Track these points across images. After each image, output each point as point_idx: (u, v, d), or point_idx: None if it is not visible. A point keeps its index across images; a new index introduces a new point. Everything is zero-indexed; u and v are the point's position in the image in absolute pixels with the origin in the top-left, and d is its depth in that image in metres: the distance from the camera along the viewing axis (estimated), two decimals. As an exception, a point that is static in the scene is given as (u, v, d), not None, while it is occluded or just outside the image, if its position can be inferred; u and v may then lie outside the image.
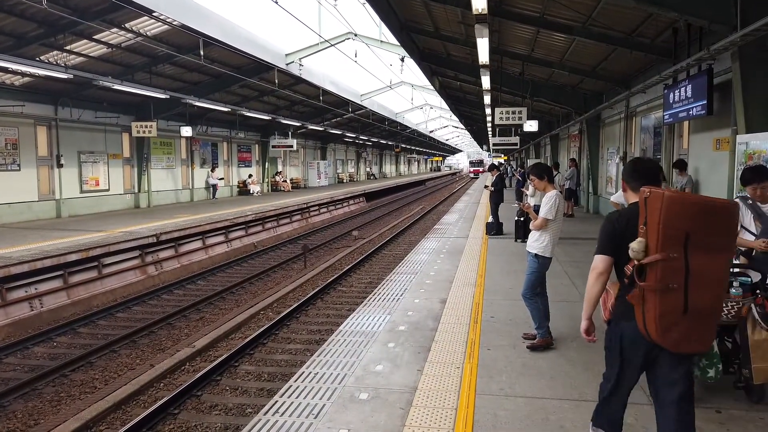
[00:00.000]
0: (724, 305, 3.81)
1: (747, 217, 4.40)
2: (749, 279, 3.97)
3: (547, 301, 5.50)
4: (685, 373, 2.81)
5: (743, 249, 4.48)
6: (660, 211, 2.62)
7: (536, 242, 5.31)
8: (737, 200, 4.60)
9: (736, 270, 4.14)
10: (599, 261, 2.95)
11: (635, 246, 2.69)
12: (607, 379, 3.01)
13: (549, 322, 5.41)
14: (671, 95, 9.64)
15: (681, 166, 9.44)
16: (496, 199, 13.50)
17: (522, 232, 11.34)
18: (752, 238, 4.34)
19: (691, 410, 2.81)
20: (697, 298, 2.63)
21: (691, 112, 8.78)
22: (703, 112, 8.29)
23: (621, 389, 2.95)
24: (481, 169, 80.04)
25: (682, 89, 9.08)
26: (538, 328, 5.30)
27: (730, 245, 2.84)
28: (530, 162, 21.22)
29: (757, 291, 3.86)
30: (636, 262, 2.69)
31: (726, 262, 2.82)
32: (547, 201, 5.27)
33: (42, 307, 9.93)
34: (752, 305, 3.77)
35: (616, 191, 8.87)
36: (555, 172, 16.17)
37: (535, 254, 5.30)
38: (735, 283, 3.88)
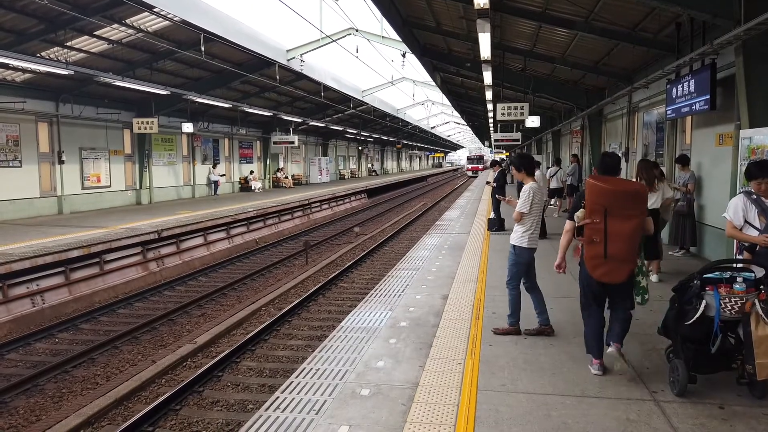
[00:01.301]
0: (728, 301, 3.80)
1: (751, 213, 4.36)
2: (753, 274, 3.94)
3: (541, 295, 5.58)
4: (626, 296, 4.38)
5: (747, 244, 4.45)
6: (588, 192, 4.25)
7: (515, 234, 5.48)
8: (740, 194, 4.57)
9: (740, 265, 4.11)
10: (567, 223, 4.56)
11: (578, 214, 4.33)
12: (583, 305, 4.60)
13: (547, 314, 5.51)
14: (674, 90, 9.59)
15: (683, 161, 9.39)
16: (498, 194, 13.45)
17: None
18: (756, 233, 4.31)
19: (628, 317, 4.41)
20: (613, 249, 4.16)
21: (694, 107, 8.73)
22: (706, 107, 8.24)
23: (592, 307, 4.46)
24: (480, 166, 68.22)
25: (685, 84, 9.03)
26: (510, 316, 5.52)
27: (638, 215, 4.18)
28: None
29: (761, 286, 3.83)
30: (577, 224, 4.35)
31: (634, 226, 4.16)
32: (521, 195, 5.40)
33: (44, 303, 9.94)
34: (756, 300, 3.74)
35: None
36: (557, 168, 16.19)
37: (513, 245, 5.48)
38: (739, 279, 3.84)
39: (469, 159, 75.45)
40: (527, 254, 5.44)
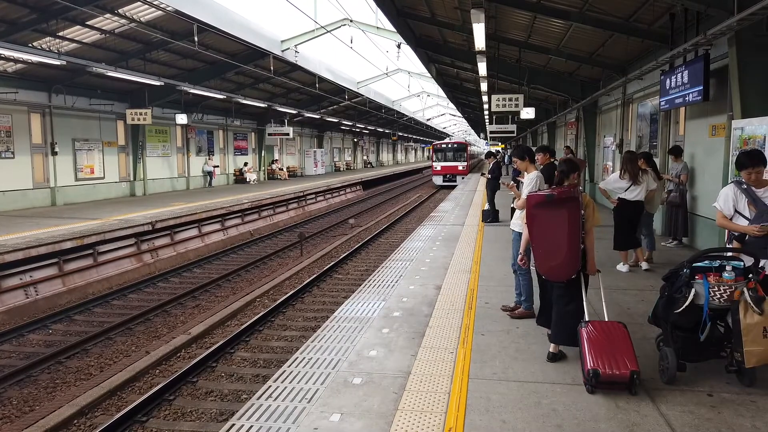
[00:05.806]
0: (717, 289, 3.84)
1: (741, 202, 4.38)
2: (742, 263, 3.97)
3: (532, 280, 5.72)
4: None
5: (737, 234, 4.47)
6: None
7: (518, 220, 5.61)
8: (731, 184, 4.59)
9: (729, 254, 4.14)
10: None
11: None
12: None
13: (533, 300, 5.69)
14: (668, 81, 9.60)
15: (676, 152, 9.41)
16: (493, 186, 13.49)
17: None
18: (746, 222, 4.33)
19: None
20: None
21: (687, 98, 8.75)
22: (699, 98, 8.25)
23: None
24: (460, 165, 35.51)
25: (679, 75, 9.04)
26: (525, 300, 5.69)
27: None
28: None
29: (750, 275, 3.86)
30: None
31: None
32: (528, 182, 5.54)
33: (37, 294, 9.92)
34: (744, 289, 3.77)
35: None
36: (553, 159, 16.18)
37: (519, 233, 5.60)
38: (728, 267, 3.87)
39: (437, 151, 36.58)
40: None
